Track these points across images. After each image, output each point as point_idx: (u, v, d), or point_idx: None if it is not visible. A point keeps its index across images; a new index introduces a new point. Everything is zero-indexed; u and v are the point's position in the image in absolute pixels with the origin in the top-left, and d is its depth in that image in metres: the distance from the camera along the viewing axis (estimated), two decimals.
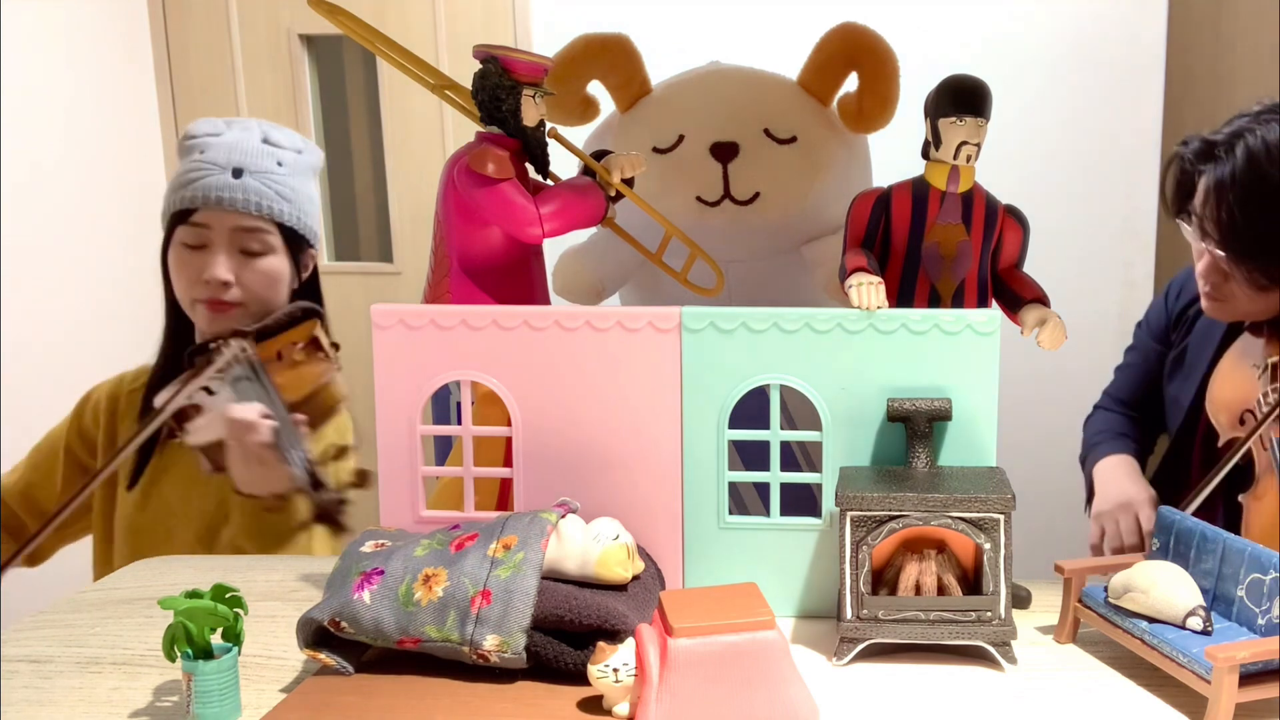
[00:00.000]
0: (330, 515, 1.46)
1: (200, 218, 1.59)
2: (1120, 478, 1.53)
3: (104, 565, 1.69)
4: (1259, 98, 1.41)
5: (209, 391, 1.56)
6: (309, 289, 1.70)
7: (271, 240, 1.62)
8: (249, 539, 1.56)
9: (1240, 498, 1.33)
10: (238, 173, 1.60)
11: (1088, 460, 1.64)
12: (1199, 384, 1.48)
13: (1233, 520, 1.45)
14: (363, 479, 1.62)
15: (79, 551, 1.76)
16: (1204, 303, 1.45)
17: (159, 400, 1.59)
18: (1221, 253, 1.34)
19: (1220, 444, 1.38)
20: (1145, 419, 1.69)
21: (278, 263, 1.64)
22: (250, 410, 1.52)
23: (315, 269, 1.71)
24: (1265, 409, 1.29)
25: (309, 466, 1.54)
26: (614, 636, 0.96)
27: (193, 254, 1.61)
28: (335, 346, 1.69)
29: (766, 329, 1.10)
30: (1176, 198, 1.42)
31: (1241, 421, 1.34)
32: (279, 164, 1.64)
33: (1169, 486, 1.57)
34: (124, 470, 1.66)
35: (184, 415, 1.58)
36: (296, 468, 1.53)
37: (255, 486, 1.56)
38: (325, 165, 1.83)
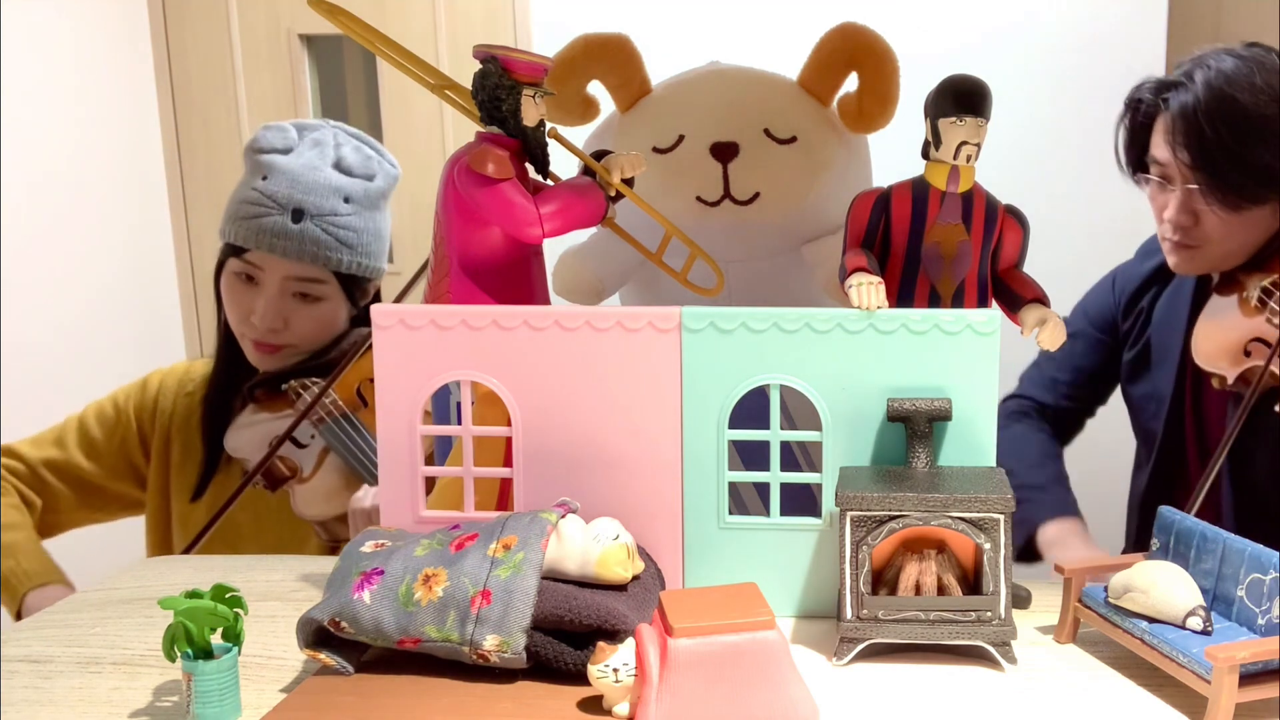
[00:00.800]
0: None
1: (253, 258, 1.55)
2: (1074, 551, 1.48)
3: None
4: None
5: (297, 444, 1.54)
6: (361, 319, 1.64)
7: (325, 289, 1.58)
8: None
9: (1277, 408, 1.33)
10: (298, 215, 1.52)
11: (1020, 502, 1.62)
12: (1177, 371, 1.47)
13: (1244, 506, 1.44)
14: None
15: (80, 551, 1.75)
16: (1172, 258, 1.46)
17: (232, 440, 1.56)
18: (1193, 181, 1.37)
19: (1230, 384, 1.38)
20: (1071, 410, 1.68)
21: (331, 309, 1.60)
22: (369, 500, 1.50)
23: (378, 295, 1.66)
24: (1276, 322, 1.31)
25: None
26: (614, 636, 0.96)
27: (245, 287, 1.57)
28: None
29: (766, 329, 1.10)
30: (1131, 150, 1.46)
31: (1247, 354, 1.35)
32: (346, 200, 1.56)
33: (1165, 484, 1.57)
34: (183, 481, 1.64)
35: (273, 472, 1.56)
36: None
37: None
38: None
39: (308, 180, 1.54)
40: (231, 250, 1.58)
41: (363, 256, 1.61)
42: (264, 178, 1.55)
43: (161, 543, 1.69)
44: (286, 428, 1.50)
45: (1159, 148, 1.42)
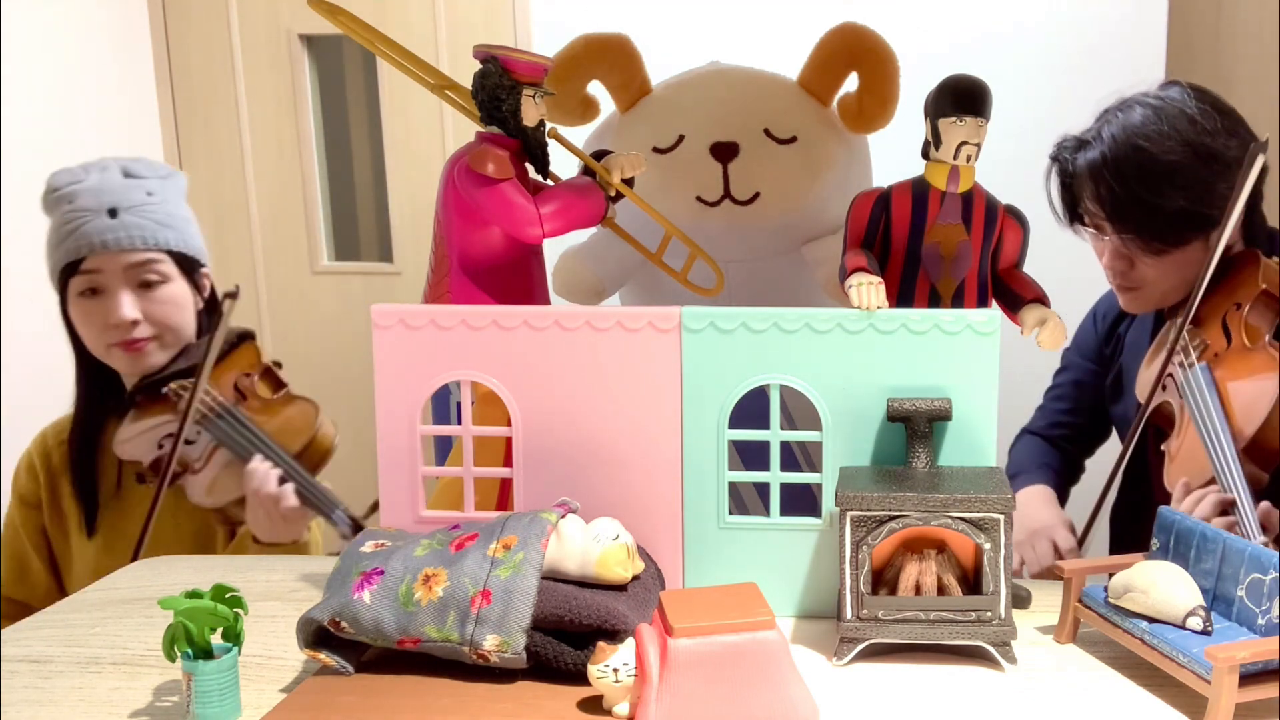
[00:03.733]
0: None
1: (90, 264, 1.60)
2: (1035, 507, 1.56)
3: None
4: (1262, 105, 1.45)
5: (186, 441, 1.58)
6: (211, 310, 1.70)
7: (165, 268, 1.63)
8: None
9: (1162, 447, 1.38)
10: (113, 212, 1.60)
11: None
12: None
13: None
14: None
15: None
16: (1120, 299, 1.52)
17: (122, 437, 1.60)
18: (1115, 232, 1.42)
19: (1147, 414, 1.42)
20: (1076, 441, 1.71)
21: (177, 289, 1.65)
22: (268, 479, 1.54)
23: (213, 289, 1.72)
24: (1171, 356, 1.36)
25: (353, 522, 1.57)
26: (614, 636, 0.96)
27: (93, 301, 1.62)
28: (278, 365, 1.70)
29: (766, 329, 1.10)
30: (1065, 204, 1.51)
31: (1163, 387, 1.39)
32: (149, 194, 1.64)
33: (1131, 500, 1.59)
34: (75, 520, 1.66)
35: (158, 467, 1.59)
36: (342, 526, 1.58)
37: (279, 537, 1.58)
38: (322, 166, 1.84)
39: (109, 187, 1.63)
40: (67, 273, 1.62)
41: (185, 236, 1.67)
42: (70, 202, 1.63)
43: (54, 594, 1.70)
44: (175, 429, 1.56)
45: (1085, 200, 1.47)
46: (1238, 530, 1.23)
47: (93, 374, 1.69)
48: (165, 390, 1.61)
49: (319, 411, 1.66)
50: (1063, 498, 1.65)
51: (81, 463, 1.66)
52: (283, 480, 1.56)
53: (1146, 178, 1.38)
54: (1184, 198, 1.37)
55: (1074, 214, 1.51)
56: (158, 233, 1.62)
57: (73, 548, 1.67)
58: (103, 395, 1.68)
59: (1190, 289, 1.39)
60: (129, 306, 1.60)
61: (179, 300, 1.65)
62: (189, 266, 1.67)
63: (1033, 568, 1.48)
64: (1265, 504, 1.26)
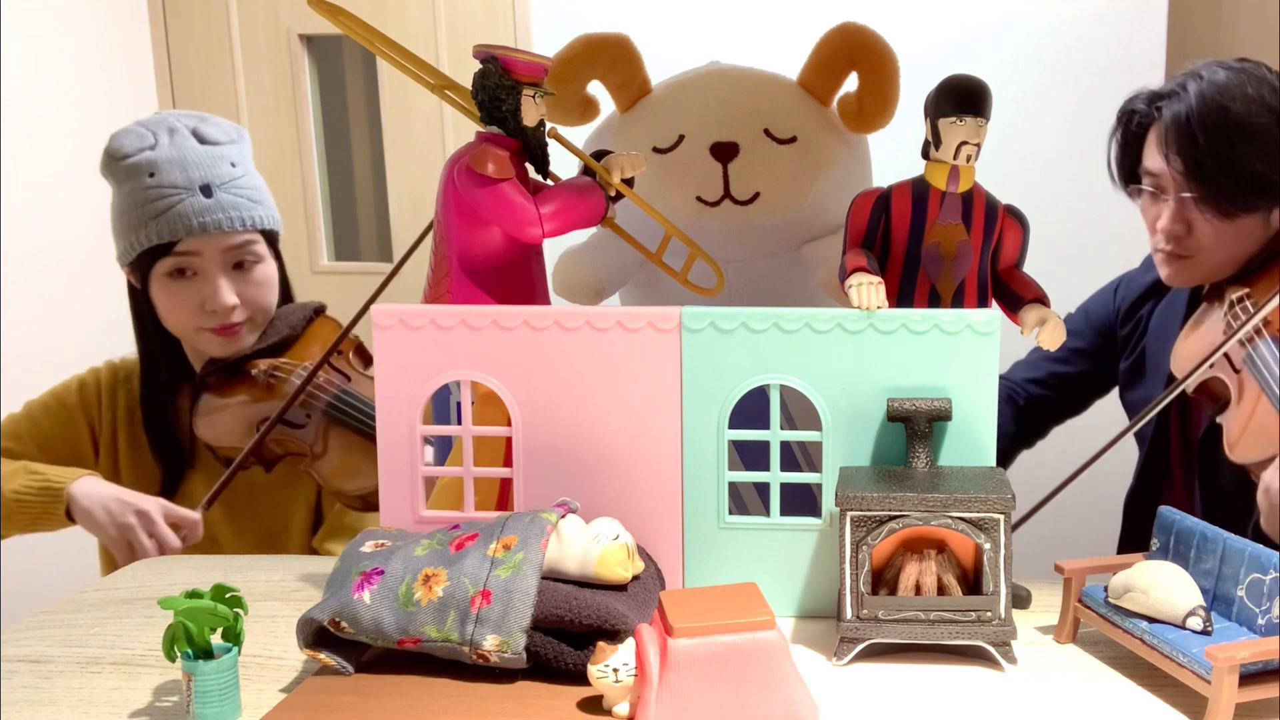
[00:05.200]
0: None
1: (185, 247, 1.53)
2: None
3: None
4: None
5: (293, 425, 1.55)
6: (280, 270, 1.67)
7: (259, 249, 1.59)
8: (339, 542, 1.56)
9: (1219, 419, 1.36)
10: (207, 190, 1.53)
11: None
12: (1166, 380, 1.49)
13: (1211, 508, 1.45)
14: None
15: (80, 551, 1.75)
16: (1164, 270, 1.48)
17: (203, 412, 1.56)
18: (1187, 190, 1.39)
19: (1191, 393, 1.40)
20: (1052, 405, 1.69)
21: (269, 268, 1.62)
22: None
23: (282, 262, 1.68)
24: (1231, 330, 1.35)
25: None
26: (614, 636, 0.96)
27: (185, 284, 1.56)
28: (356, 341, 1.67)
29: (766, 329, 1.10)
30: (1124, 162, 1.49)
31: (1211, 365, 1.37)
32: (234, 165, 1.58)
33: (1151, 488, 1.58)
34: (137, 475, 1.63)
35: (263, 453, 1.56)
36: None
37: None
38: (322, 166, 1.82)
39: (194, 158, 1.55)
40: (156, 253, 1.55)
41: (271, 210, 1.63)
42: (151, 174, 1.54)
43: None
44: (275, 412, 1.51)
45: (1152, 158, 1.44)
46: None
47: (163, 357, 1.63)
48: (254, 372, 1.56)
49: None
50: (1007, 459, 1.63)
51: (159, 440, 1.61)
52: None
53: (1230, 136, 1.37)
54: (1261, 162, 1.37)
55: (1131, 175, 1.49)
56: (253, 211, 1.57)
57: None
58: (174, 376, 1.63)
59: (1240, 265, 1.40)
60: (228, 292, 1.55)
61: (270, 280, 1.61)
62: (275, 242, 1.63)
63: None
64: None
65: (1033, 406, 1.68)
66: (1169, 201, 1.42)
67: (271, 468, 1.58)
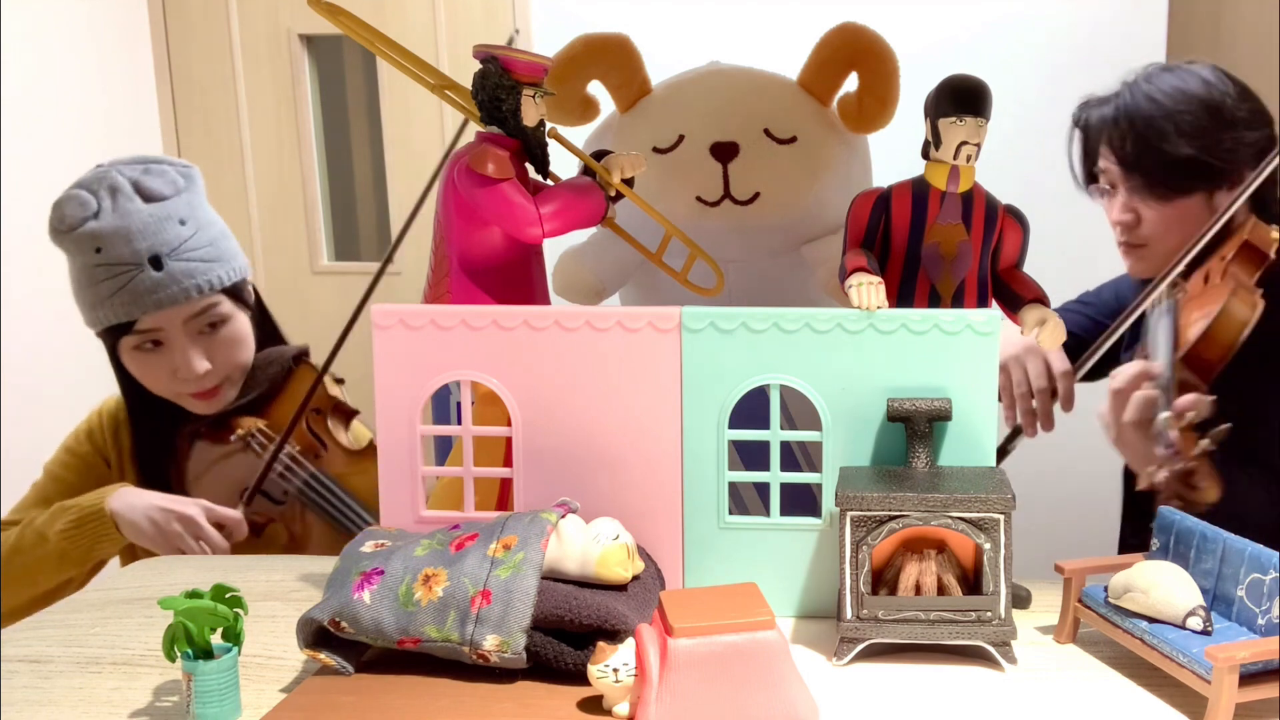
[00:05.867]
0: None
1: (146, 324, 1.51)
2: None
3: None
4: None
5: (273, 500, 1.54)
6: (258, 313, 1.63)
7: (223, 309, 1.56)
8: None
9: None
10: (156, 262, 1.48)
11: None
12: None
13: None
14: None
15: None
16: (1127, 263, 1.60)
17: (195, 473, 1.56)
18: (1124, 179, 1.52)
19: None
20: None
21: (238, 325, 1.58)
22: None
23: (253, 288, 1.64)
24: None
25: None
26: (614, 636, 0.96)
27: (152, 354, 1.54)
28: (340, 382, 1.65)
29: (766, 329, 1.10)
30: (1084, 165, 1.61)
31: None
32: (182, 224, 1.52)
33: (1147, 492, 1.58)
34: None
35: (250, 521, 1.56)
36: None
37: None
38: (322, 166, 1.79)
39: (138, 226, 1.49)
40: (119, 331, 1.53)
41: (229, 261, 1.57)
42: (98, 250, 1.49)
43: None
44: (254, 482, 1.51)
45: (1101, 157, 1.56)
46: (1155, 425, 1.34)
47: (146, 413, 1.62)
48: (235, 438, 1.55)
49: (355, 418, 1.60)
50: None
51: (154, 474, 1.60)
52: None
53: (1156, 124, 1.48)
54: (1190, 145, 1.47)
55: (1090, 176, 1.59)
56: (209, 274, 1.52)
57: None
58: (162, 428, 1.61)
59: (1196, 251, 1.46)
60: (197, 359, 1.52)
61: (241, 336, 1.58)
62: (241, 293, 1.59)
63: (1020, 386, 1.50)
64: (1193, 395, 1.34)
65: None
66: (1118, 194, 1.54)
67: (261, 533, 1.57)
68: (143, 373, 1.57)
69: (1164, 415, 1.33)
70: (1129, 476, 1.63)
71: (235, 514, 1.50)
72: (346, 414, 1.62)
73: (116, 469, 1.66)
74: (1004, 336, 1.50)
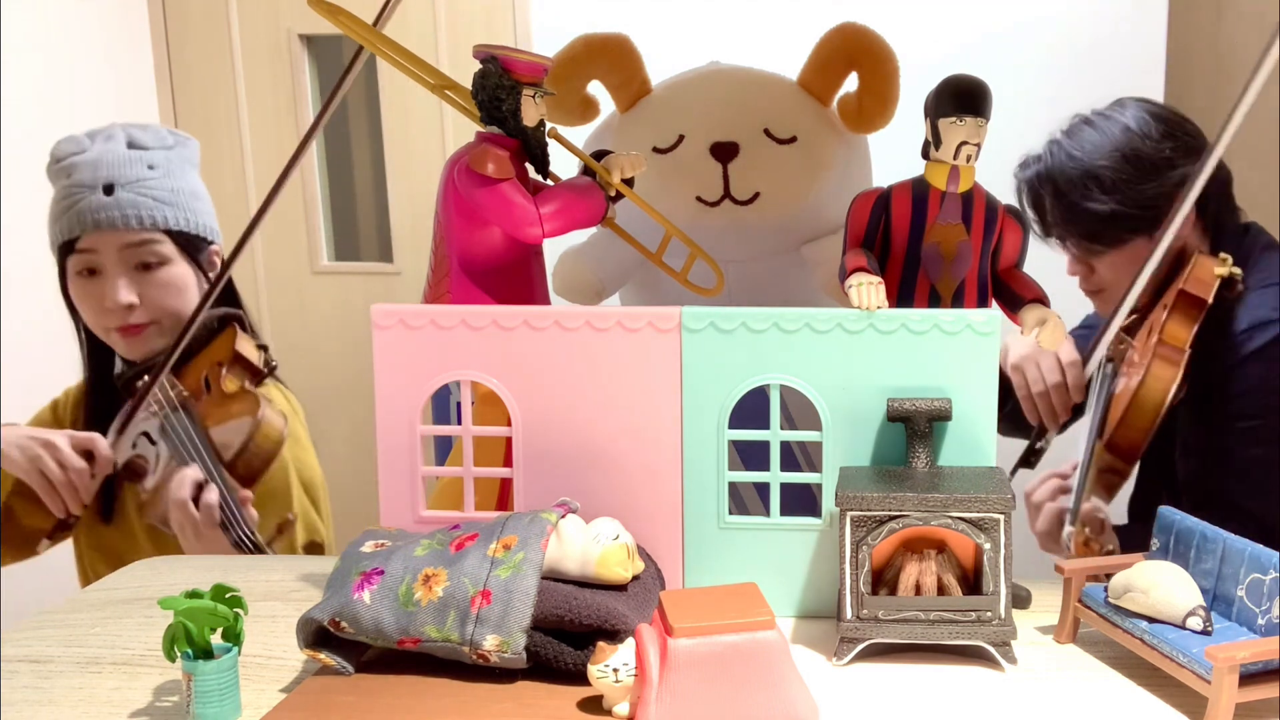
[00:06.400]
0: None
1: (85, 243, 1.55)
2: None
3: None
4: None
5: (150, 440, 1.54)
6: (224, 290, 1.62)
7: (163, 250, 1.58)
8: None
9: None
10: (109, 189, 1.55)
11: None
12: None
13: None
14: (313, 548, 1.60)
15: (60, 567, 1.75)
16: (1093, 304, 1.62)
17: (108, 440, 1.55)
18: (1057, 238, 1.54)
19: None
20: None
21: (177, 270, 1.60)
22: (183, 485, 1.48)
23: (225, 264, 1.63)
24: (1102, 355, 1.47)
25: (253, 539, 1.53)
26: (614, 636, 0.96)
27: (90, 281, 1.57)
28: (263, 349, 1.64)
29: (766, 329, 1.10)
30: (1040, 219, 1.59)
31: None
32: (150, 168, 1.58)
33: (1150, 490, 1.59)
34: (93, 503, 1.62)
35: (133, 467, 1.56)
36: (243, 543, 1.53)
37: (192, 550, 1.53)
38: (322, 166, 1.80)
39: (108, 160, 1.57)
40: (65, 251, 1.58)
41: (188, 213, 1.61)
42: (69, 176, 1.58)
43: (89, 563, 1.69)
44: (124, 413, 1.52)
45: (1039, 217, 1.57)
46: (1061, 538, 1.40)
47: (97, 354, 1.65)
48: (139, 384, 1.55)
49: (261, 406, 1.57)
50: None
51: (101, 426, 1.60)
52: (200, 488, 1.49)
53: (1075, 185, 1.49)
54: (1112, 200, 1.47)
55: (1046, 228, 1.59)
56: (155, 210, 1.56)
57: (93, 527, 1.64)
58: (109, 379, 1.64)
59: (1152, 287, 1.47)
60: (124, 290, 1.55)
61: (179, 283, 1.60)
62: (192, 246, 1.61)
63: (1034, 385, 1.49)
64: (1095, 503, 1.38)
65: None
66: (1066, 249, 1.56)
67: (139, 482, 1.57)
68: (82, 301, 1.60)
69: (1068, 530, 1.39)
70: (1145, 479, 1.63)
71: (100, 438, 1.50)
72: (252, 371, 1.62)
73: None
74: (1021, 339, 1.51)
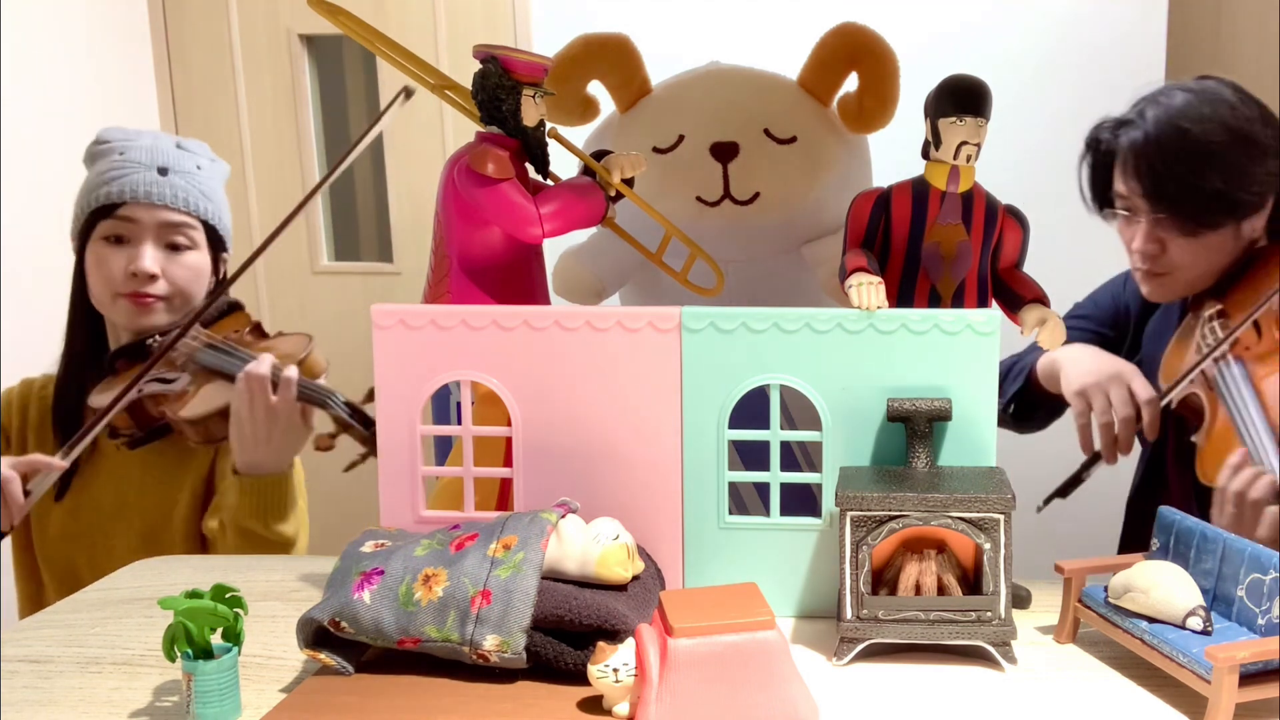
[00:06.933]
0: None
1: (126, 212, 1.61)
2: (1100, 354, 1.51)
3: (28, 579, 1.69)
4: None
5: (163, 381, 1.57)
6: (221, 282, 1.69)
7: (197, 236, 1.65)
8: (250, 516, 1.55)
9: (1193, 438, 1.40)
10: (163, 171, 1.63)
11: (1016, 366, 1.63)
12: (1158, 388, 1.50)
13: (1207, 510, 1.47)
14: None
15: None
16: (1145, 287, 1.52)
17: (95, 401, 1.57)
18: (1151, 211, 1.44)
19: (1174, 407, 1.44)
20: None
21: (201, 258, 1.67)
22: (261, 363, 1.53)
23: (226, 275, 1.72)
24: (1205, 349, 1.40)
25: (349, 406, 1.58)
26: (614, 636, 0.96)
27: (116, 249, 1.62)
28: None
29: (766, 329, 1.10)
30: (1095, 187, 1.53)
31: (1190, 380, 1.41)
32: (198, 167, 1.68)
33: (1151, 489, 1.58)
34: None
35: (135, 409, 1.58)
36: (338, 409, 1.57)
37: (263, 445, 1.54)
38: (322, 166, 1.85)
39: (163, 148, 1.66)
40: (99, 214, 1.62)
41: (222, 214, 1.70)
42: (120, 153, 1.64)
43: (24, 550, 1.69)
44: (155, 378, 1.54)
45: (1120, 182, 1.48)
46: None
47: (84, 332, 1.68)
48: (149, 342, 1.60)
49: (311, 341, 1.64)
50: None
51: (63, 421, 1.64)
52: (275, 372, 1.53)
53: (1188, 158, 1.40)
54: (1221, 179, 1.40)
55: (1104, 199, 1.52)
56: (200, 201, 1.65)
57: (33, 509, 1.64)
58: (90, 355, 1.67)
59: (1216, 277, 1.44)
60: (152, 260, 1.60)
61: (199, 269, 1.66)
62: (216, 243, 1.69)
63: (1103, 415, 1.44)
64: None
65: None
66: (1141, 223, 1.46)
67: (145, 435, 1.59)
68: (99, 266, 1.63)
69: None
70: (1138, 479, 1.63)
71: (50, 460, 1.49)
72: (261, 334, 1.68)
73: (16, 439, 1.69)
74: (1087, 364, 1.48)
